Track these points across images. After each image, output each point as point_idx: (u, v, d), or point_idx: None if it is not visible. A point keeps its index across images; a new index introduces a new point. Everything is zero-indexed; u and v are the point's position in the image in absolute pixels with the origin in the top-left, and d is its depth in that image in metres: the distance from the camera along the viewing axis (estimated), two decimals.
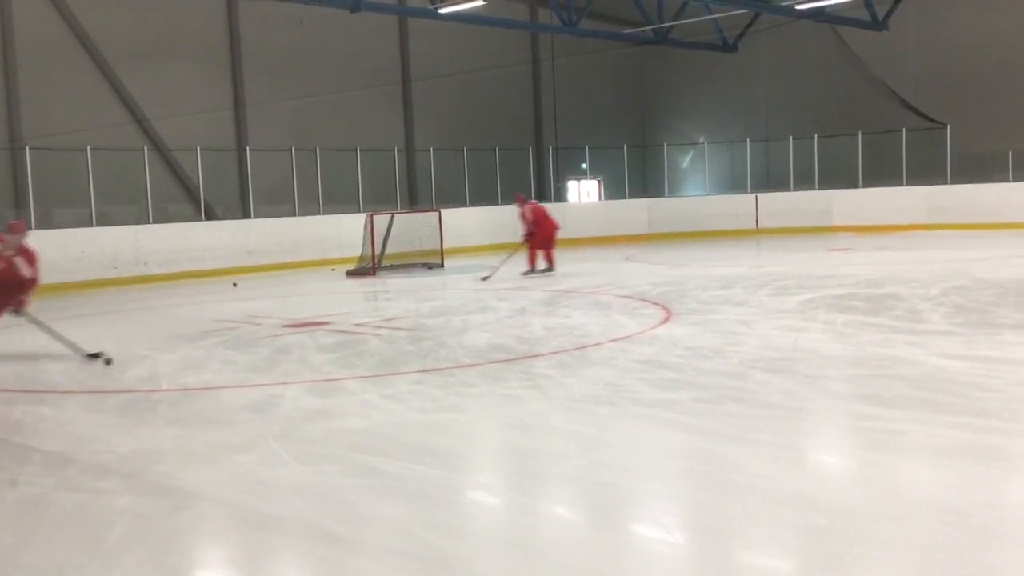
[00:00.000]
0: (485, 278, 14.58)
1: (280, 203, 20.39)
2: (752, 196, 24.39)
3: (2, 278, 8.64)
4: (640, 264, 16.98)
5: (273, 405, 6.52)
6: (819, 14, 22.01)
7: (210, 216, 19.35)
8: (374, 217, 17.33)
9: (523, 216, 15.34)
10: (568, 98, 27.29)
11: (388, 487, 4.63)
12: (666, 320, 9.59)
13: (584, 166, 27.41)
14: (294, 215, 19.97)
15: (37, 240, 15.94)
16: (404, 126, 24.10)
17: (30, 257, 8.76)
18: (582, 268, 16.51)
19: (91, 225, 16.94)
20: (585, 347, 7.80)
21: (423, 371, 7.52)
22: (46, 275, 15.89)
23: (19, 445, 5.84)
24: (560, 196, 27.29)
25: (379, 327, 10.10)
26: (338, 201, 20.76)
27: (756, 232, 23.81)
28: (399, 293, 13.97)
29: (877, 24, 22.67)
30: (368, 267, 17.01)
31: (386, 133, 23.25)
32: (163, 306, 13.21)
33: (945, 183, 22.07)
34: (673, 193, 26.95)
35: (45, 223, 16.82)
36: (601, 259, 18.42)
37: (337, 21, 20.69)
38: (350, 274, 17.00)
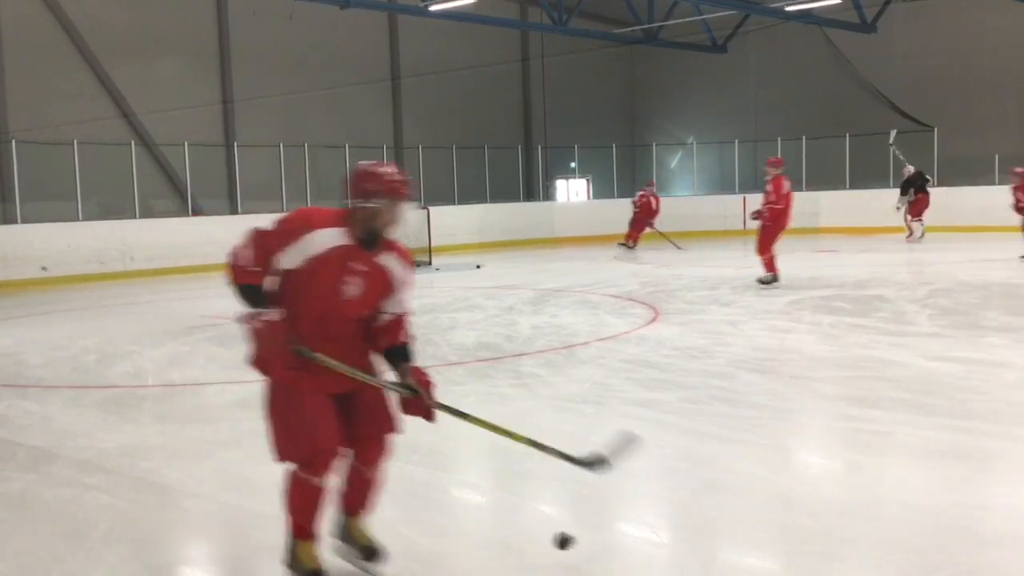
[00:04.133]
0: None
1: (268, 199, 20.29)
2: (740, 197, 24.38)
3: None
4: (628, 264, 16.99)
5: (259, 401, 6.49)
6: (808, 16, 22.05)
7: (197, 212, 19.26)
8: None
9: None
10: (557, 97, 27.27)
11: None
12: (653, 320, 9.61)
13: (573, 165, 27.40)
14: (282, 211, 19.78)
15: (24, 234, 16.11)
16: (393, 123, 24.04)
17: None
18: (570, 267, 16.52)
19: (77, 220, 16.84)
20: (572, 346, 7.80)
21: None
22: (36, 272, 16.02)
23: (3, 440, 5.80)
24: (548, 195, 27.28)
25: None
26: (326, 197, 20.66)
27: (744, 233, 23.80)
28: None
29: (866, 27, 22.73)
30: None
31: (375, 130, 23.17)
32: (149, 301, 13.14)
33: (932, 186, 22.13)
34: (661, 193, 26.84)
35: (31, 217, 16.70)
36: (589, 258, 18.42)
37: (327, 17, 20.60)
38: None
